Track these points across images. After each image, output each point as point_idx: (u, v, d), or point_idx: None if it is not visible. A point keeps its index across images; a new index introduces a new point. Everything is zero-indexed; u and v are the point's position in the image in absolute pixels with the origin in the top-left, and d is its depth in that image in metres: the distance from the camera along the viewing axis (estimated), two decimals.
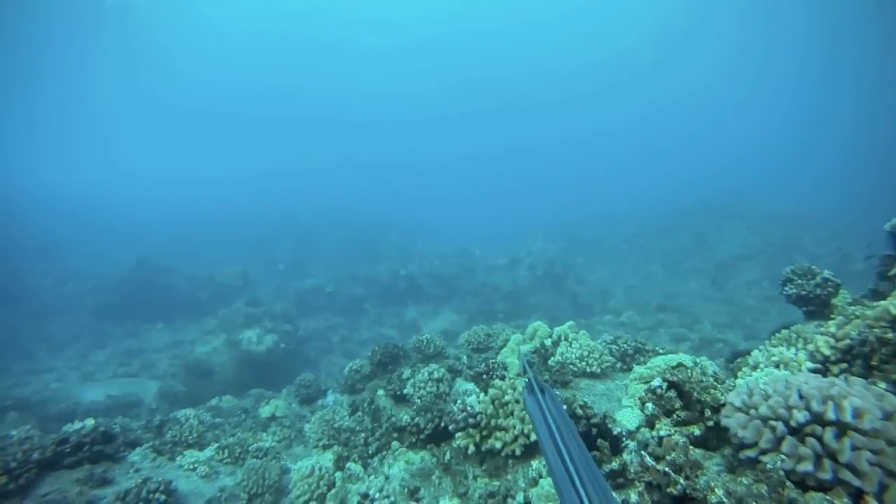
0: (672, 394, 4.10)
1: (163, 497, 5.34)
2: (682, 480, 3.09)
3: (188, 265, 26.38)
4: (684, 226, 34.43)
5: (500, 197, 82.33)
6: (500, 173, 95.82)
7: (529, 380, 2.80)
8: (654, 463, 3.33)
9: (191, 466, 6.50)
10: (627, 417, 4.82)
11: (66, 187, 61.47)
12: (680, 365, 4.52)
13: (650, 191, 62.67)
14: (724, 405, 3.52)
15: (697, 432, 3.73)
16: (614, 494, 2.41)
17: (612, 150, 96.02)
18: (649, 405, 4.23)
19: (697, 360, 5.61)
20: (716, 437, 3.65)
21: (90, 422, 6.78)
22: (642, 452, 3.53)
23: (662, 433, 3.84)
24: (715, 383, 3.96)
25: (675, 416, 3.97)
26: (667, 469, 3.16)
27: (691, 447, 3.44)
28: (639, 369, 5.63)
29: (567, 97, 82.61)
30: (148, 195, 55.56)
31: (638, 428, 4.36)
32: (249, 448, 6.82)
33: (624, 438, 4.29)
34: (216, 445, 6.96)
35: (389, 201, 58.06)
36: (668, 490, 3.13)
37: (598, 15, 57.26)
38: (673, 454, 3.23)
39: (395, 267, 26.02)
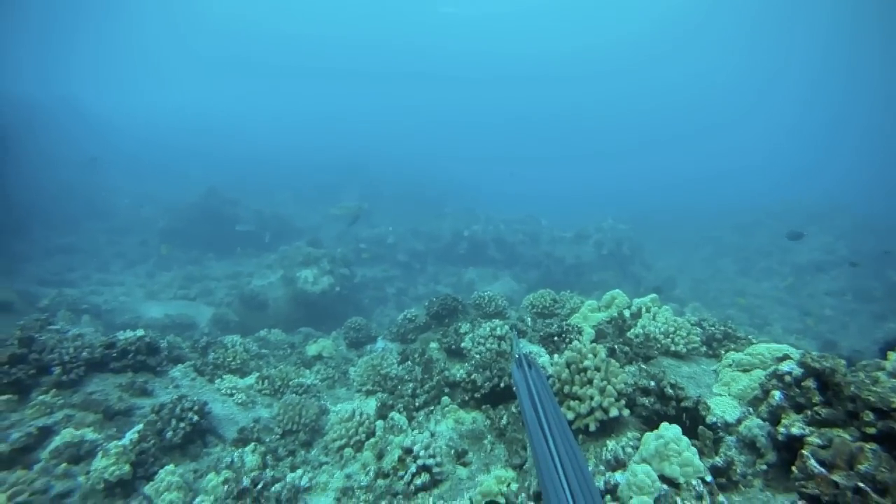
0: (812, 384, 3.25)
1: (196, 417, 5.04)
2: None
3: (254, 201, 26.88)
4: (764, 224, 31.73)
5: (575, 163, 79.27)
6: (578, 139, 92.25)
7: (518, 354, 2.97)
8: (824, 471, 2.52)
9: (228, 392, 6.20)
10: (722, 407, 3.98)
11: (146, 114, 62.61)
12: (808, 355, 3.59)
13: (732, 183, 58.28)
14: None
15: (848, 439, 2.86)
16: (588, 468, 2.31)
17: (701, 142, 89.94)
18: (776, 394, 3.43)
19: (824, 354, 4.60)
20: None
21: (139, 332, 6.63)
22: (804, 453, 2.75)
23: (794, 432, 3.07)
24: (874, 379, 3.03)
25: (810, 412, 3.14)
26: (859, 484, 2.32)
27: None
28: (734, 355, 4.68)
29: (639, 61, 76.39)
30: (217, 133, 55.65)
31: (739, 421, 3.70)
32: (290, 383, 6.44)
33: (719, 430, 3.61)
34: (257, 375, 6.65)
35: (459, 160, 56.80)
36: None
37: None
38: (866, 465, 2.39)
39: (458, 226, 25.43)
